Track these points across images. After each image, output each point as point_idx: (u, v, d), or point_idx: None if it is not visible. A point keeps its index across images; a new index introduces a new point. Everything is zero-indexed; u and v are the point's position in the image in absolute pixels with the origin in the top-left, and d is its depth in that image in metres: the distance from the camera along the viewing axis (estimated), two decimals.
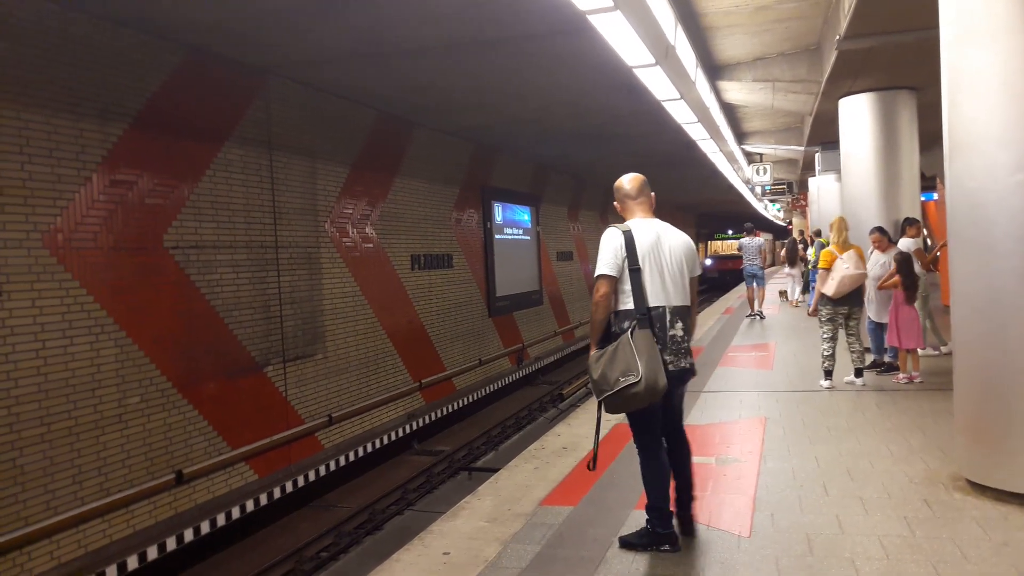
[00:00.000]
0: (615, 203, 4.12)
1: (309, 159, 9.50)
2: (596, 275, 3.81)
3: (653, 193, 4.09)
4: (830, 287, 7.50)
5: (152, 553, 6.81)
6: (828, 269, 7.57)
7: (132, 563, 6.62)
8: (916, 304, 7.85)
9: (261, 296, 8.51)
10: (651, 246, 3.83)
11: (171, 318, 7.31)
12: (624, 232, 3.83)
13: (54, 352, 6.20)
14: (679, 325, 3.82)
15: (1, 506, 5.72)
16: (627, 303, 3.79)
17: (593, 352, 3.81)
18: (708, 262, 40.83)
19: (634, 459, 5.51)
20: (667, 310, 3.78)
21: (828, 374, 7.82)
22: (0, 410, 5.77)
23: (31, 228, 6.05)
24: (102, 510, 6.50)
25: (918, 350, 7.96)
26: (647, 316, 3.73)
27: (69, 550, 6.22)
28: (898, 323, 7.69)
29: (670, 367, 3.74)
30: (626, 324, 3.76)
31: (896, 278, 7.70)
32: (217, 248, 7.91)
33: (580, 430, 6.70)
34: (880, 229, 8.40)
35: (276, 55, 8.12)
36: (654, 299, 3.78)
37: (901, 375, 7.91)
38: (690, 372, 3.91)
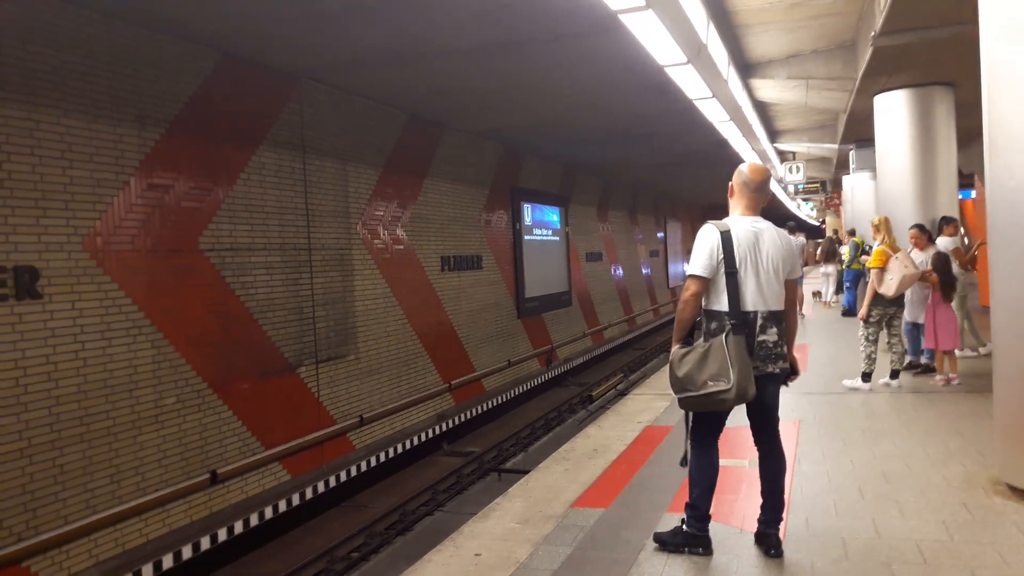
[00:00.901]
0: (730, 183, 3.92)
1: (341, 162, 9.59)
2: (688, 273, 3.73)
3: (771, 191, 3.93)
4: (890, 287, 7.33)
5: (187, 552, 6.91)
6: (883, 269, 7.43)
7: (167, 562, 6.72)
8: (954, 304, 7.71)
9: (294, 298, 8.61)
10: (749, 248, 3.69)
11: (206, 319, 7.42)
12: (722, 232, 3.70)
13: (93, 353, 6.32)
14: (772, 331, 3.68)
15: (42, 504, 5.85)
16: (718, 304, 3.70)
17: (676, 349, 3.74)
18: None
19: (665, 462, 5.49)
20: (759, 315, 3.66)
21: (867, 376, 7.70)
22: (41, 410, 5.89)
23: (72, 232, 6.17)
24: (139, 509, 6.61)
25: (955, 351, 7.82)
26: (742, 321, 3.65)
27: (107, 548, 6.33)
28: (936, 324, 7.56)
29: (754, 372, 3.64)
30: (714, 325, 3.70)
31: (933, 277, 7.57)
32: (251, 250, 8.01)
33: (611, 432, 6.68)
34: (920, 226, 8.27)
35: (308, 59, 8.20)
36: (748, 303, 3.67)
37: (938, 377, 7.77)
38: (779, 376, 3.77)
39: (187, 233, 7.28)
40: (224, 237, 7.68)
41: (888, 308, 7.52)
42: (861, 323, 7.70)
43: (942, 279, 7.52)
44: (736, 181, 3.88)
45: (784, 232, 3.85)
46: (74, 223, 6.19)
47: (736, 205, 3.88)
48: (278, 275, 8.37)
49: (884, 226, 7.82)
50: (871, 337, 7.62)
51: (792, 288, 3.85)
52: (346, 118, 9.68)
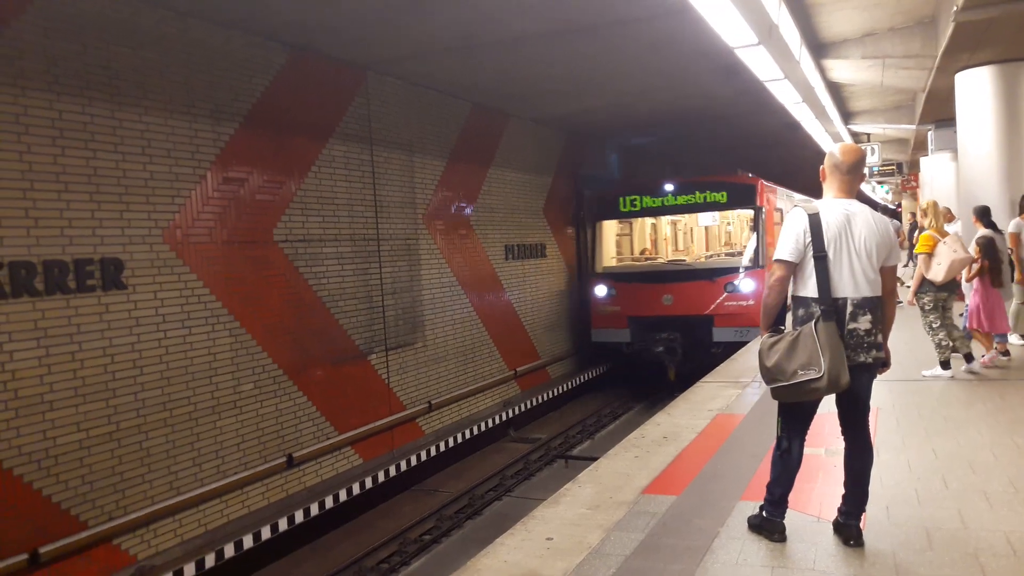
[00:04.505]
0: (822, 167, 3.79)
1: (407, 153, 9.70)
2: (774, 258, 3.63)
3: (865, 171, 3.81)
4: (938, 272, 7.14)
5: (266, 533, 7.13)
6: (930, 254, 7.24)
7: (247, 542, 6.95)
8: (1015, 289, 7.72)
9: (364, 287, 8.77)
10: (839, 231, 3.55)
11: (281, 308, 7.62)
12: (811, 215, 3.58)
13: (174, 341, 6.56)
14: (865, 319, 3.54)
15: (131, 486, 6.12)
16: (806, 290, 3.59)
17: (765, 337, 3.66)
18: (600, 291, 13.80)
19: (737, 450, 5.42)
20: (850, 302, 3.53)
21: (946, 364, 7.44)
22: (128, 396, 6.15)
23: (152, 225, 6.41)
24: (220, 491, 6.85)
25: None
26: (832, 308, 3.52)
27: (191, 528, 6.59)
28: (984, 307, 7.48)
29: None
30: (801, 312, 3.60)
31: (980, 263, 7.51)
32: (323, 241, 8.18)
33: (680, 420, 6.60)
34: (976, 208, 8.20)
35: (375, 51, 8.31)
36: (837, 289, 3.54)
37: (986, 356, 7.77)
38: (873, 366, 3.63)
39: (262, 225, 7.48)
40: (297, 228, 7.86)
41: (939, 293, 7.33)
42: (921, 312, 7.52)
43: (990, 263, 7.43)
44: (827, 163, 3.73)
45: (882, 216, 3.67)
46: (155, 216, 6.43)
47: (828, 188, 3.74)
48: (348, 265, 8.53)
49: (932, 210, 7.57)
50: (934, 324, 7.42)
51: (890, 275, 3.68)
52: (412, 109, 9.78)
